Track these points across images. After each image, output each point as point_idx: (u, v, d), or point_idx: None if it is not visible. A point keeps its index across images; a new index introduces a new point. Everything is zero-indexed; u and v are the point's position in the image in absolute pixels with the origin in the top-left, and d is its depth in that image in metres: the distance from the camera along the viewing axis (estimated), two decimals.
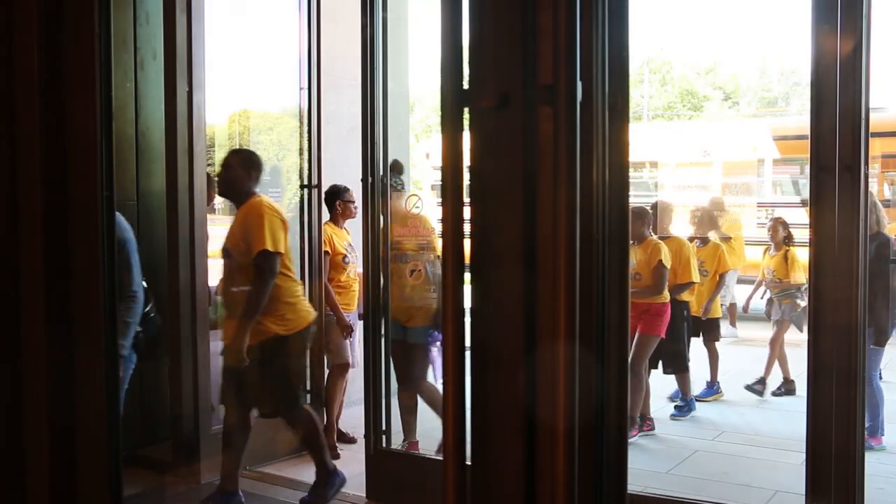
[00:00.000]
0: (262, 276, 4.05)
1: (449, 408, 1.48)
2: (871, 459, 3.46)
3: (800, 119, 13.30)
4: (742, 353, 8.43)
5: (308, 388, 5.38)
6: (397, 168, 4.93)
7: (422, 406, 5.01)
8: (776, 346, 7.02)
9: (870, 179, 3.24)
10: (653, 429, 5.88)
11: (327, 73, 5.45)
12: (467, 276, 1.53)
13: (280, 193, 6.09)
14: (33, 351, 2.53)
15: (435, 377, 5.28)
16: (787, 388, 7.00)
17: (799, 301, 6.94)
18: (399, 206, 4.93)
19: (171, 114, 4.63)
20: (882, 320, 5.37)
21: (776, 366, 7.04)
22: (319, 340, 5.38)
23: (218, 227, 5.60)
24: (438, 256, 4.81)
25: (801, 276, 6.93)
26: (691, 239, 6.86)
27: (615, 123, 1.51)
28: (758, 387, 6.93)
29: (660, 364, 6.15)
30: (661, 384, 6.46)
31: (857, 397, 3.17)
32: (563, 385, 1.43)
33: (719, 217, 8.71)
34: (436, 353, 5.20)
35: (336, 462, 5.04)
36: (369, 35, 4.33)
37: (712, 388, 6.90)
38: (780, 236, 7.13)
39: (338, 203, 5.47)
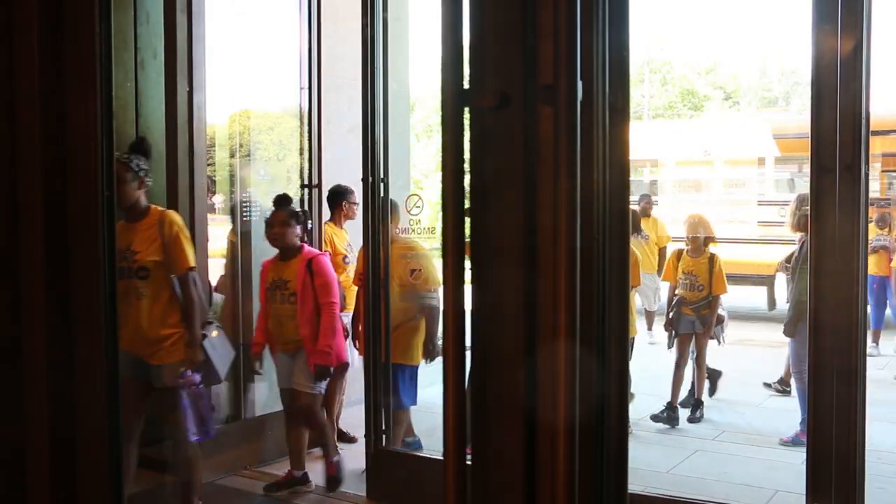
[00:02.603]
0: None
1: (449, 408, 1.48)
2: (871, 459, 3.46)
3: (799, 117, 13.33)
4: (742, 353, 8.44)
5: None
6: (141, 149, 3.92)
7: (419, 406, 4.99)
8: (703, 363, 6.28)
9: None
10: None
11: (328, 73, 5.45)
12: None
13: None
14: (33, 351, 2.53)
15: (187, 432, 3.97)
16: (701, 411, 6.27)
17: (721, 312, 6.22)
18: (131, 198, 3.77)
19: (172, 113, 4.64)
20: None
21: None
22: None
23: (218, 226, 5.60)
24: (192, 268, 3.82)
25: (723, 285, 6.21)
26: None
27: (616, 123, 1.51)
28: (697, 415, 6.20)
29: None
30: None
31: (857, 397, 3.17)
32: (563, 385, 1.43)
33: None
34: (188, 399, 3.92)
35: (336, 461, 5.05)
36: (369, 35, 4.33)
37: None
38: (701, 237, 6.28)
39: (343, 203, 5.49)
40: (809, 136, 3.22)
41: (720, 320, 6.22)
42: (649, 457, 5.39)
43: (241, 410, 5.24)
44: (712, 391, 6.60)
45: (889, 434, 5.51)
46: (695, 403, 6.28)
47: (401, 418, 4.80)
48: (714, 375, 6.64)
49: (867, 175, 3.14)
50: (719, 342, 6.35)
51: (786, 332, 5.57)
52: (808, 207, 5.40)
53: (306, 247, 4.69)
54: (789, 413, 6.09)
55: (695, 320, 6.21)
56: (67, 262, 2.51)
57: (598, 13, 1.47)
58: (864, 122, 3.09)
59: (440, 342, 4.65)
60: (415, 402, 4.94)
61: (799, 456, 4.32)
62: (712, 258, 6.19)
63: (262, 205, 5.52)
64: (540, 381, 1.47)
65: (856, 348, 3.15)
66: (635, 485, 4.00)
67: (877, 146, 9.96)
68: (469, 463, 1.53)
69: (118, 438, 2.56)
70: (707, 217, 6.61)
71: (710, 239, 6.32)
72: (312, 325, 4.50)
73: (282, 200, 4.63)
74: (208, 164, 5.01)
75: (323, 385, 4.66)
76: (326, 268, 4.59)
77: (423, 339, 4.81)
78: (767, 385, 6.98)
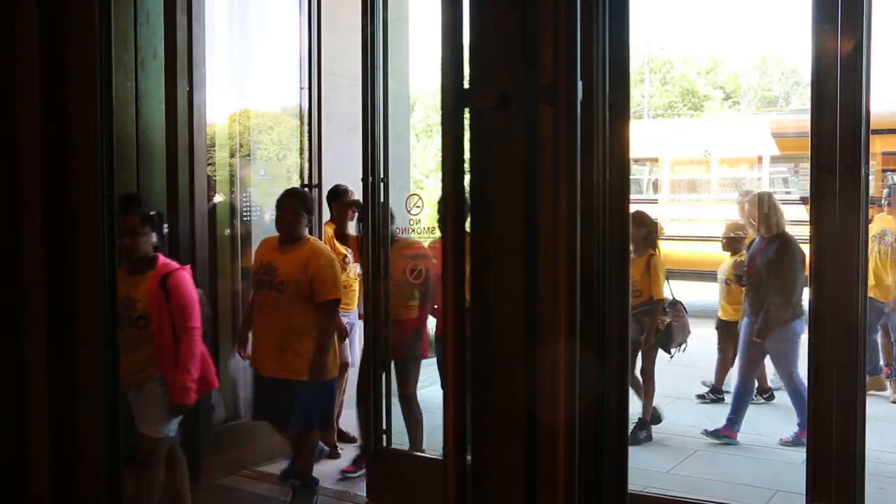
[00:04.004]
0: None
1: (449, 408, 1.48)
2: (871, 459, 3.46)
3: (798, 116, 13.38)
4: None
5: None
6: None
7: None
8: (650, 376, 5.61)
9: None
10: None
11: (327, 72, 5.46)
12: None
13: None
14: (34, 351, 2.53)
15: None
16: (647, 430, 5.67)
17: (666, 318, 5.54)
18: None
19: (172, 113, 4.64)
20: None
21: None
22: None
23: None
24: None
25: (663, 288, 5.53)
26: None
27: (616, 123, 1.51)
28: (641, 434, 5.58)
29: None
30: None
31: (857, 397, 3.17)
32: (563, 385, 1.43)
33: None
34: None
35: (336, 461, 5.05)
36: (369, 35, 4.33)
37: None
38: (641, 235, 5.46)
39: (334, 204, 5.47)
40: (809, 135, 3.22)
41: (661, 324, 5.52)
42: (649, 457, 5.39)
43: (238, 411, 5.24)
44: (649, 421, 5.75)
45: (889, 434, 5.51)
46: (638, 423, 5.58)
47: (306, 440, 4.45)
48: (656, 417, 5.83)
49: (867, 175, 3.14)
50: (669, 354, 5.65)
51: (759, 336, 5.34)
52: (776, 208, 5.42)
53: (162, 258, 3.82)
54: (788, 413, 6.10)
55: (641, 326, 5.52)
56: (67, 262, 2.51)
57: (598, 13, 1.47)
58: (864, 122, 3.09)
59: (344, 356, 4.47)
60: (327, 426, 4.64)
61: (799, 456, 4.31)
62: (649, 259, 5.48)
63: (262, 205, 5.53)
64: (540, 380, 1.47)
65: (856, 348, 3.15)
66: (635, 485, 4.00)
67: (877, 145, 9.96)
68: (469, 463, 1.53)
69: (118, 441, 2.56)
70: (649, 214, 5.87)
71: (653, 237, 5.61)
72: (172, 356, 3.68)
73: (129, 202, 3.84)
74: (208, 164, 5.01)
75: (173, 428, 3.78)
76: (185, 285, 3.75)
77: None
78: (701, 396, 6.53)
